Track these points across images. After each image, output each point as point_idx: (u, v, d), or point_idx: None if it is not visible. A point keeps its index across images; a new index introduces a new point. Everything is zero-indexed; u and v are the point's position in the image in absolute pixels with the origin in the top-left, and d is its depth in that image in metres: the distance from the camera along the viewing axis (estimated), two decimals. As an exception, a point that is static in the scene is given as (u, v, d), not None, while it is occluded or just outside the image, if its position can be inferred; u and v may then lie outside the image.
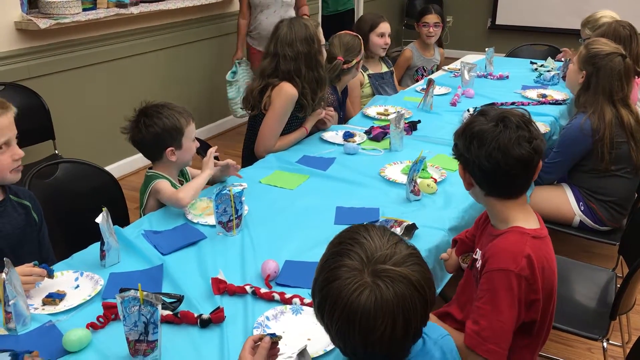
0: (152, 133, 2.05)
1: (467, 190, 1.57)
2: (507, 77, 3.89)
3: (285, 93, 2.58)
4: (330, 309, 1.02)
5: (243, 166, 2.78)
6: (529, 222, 1.50)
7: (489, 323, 1.41)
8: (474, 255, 1.61)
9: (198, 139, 2.72)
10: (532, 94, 3.49)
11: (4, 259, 1.39)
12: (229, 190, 1.86)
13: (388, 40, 3.61)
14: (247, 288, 1.58)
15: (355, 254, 1.03)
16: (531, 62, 4.22)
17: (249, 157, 2.76)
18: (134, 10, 3.83)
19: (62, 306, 1.51)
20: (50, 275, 1.55)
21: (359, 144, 2.69)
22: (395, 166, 2.45)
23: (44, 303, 1.52)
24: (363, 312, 0.99)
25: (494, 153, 1.41)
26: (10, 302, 1.37)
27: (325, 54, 2.77)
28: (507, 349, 1.43)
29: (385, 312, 0.99)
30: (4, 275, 1.35)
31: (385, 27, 3.60)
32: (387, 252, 1.03)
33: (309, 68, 2.62)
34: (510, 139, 1.41)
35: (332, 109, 2.89)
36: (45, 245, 1.81)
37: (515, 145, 1.41)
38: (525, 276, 1.41)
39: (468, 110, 2.99)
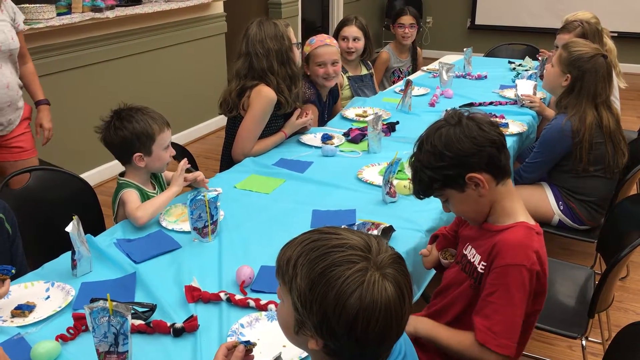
0: (121, 136, 2.01)
1: (484, 194, 1.48)
2: (486, 77, 3.91)
3: (265, 96, 2.56)
4: (363, 323, 0.94)
5: (222, 170, 2.76)
6: (529, 218, 1.52)
7: (502, 317, 1.42)
8: (464, 251, 1.60)
9: (175, 144, 2.70)
10: (510, 93, 3.51)
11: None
12: (204, 196, 1.84)
13: (351, 44, 3.52)
14: (222, 295, 1.56)
15: (351, 256, 0.97)
16: (509, 62, 4.24)
17: (228, 161, 2.73)
18: (110, 14, 3.79)
19: (31, 318, 1.47)
20: (8, 275, 1.47)
21: (337, 146, 2.67)
22: (372, 168, 2.44)
23: (13, 315, 1.48)
24: (393, 305, 0.95)
25: (487, 129, 1.45)
26: (-24, 316, 1.34)
27: (297, 52, 2.73)
28: (517, 342, 1.44)
29: (405, 295, 0.98)
30: (-31, 288, 1.31)
31: (348, 31, 3.53)
32: (373, 244, 1.00)
33: (281, 64, 2.60)
34: (481, 115, 1.49)
35: (310, 112, 2.87)
36: (18, 258, 1.77)
37: (487, 117, 1.50)
38: (537, 271, 1.43)
39: (446, 111, 2.98)
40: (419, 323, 1.60)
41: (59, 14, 3.55)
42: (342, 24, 3.57)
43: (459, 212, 1.61)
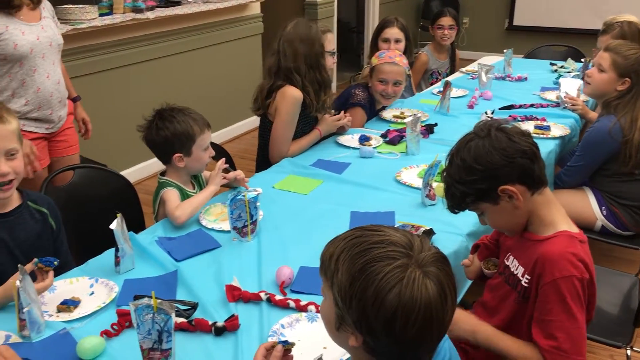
0: (162, 136, 2.04)
1: (520, 206, 1.44)
2: (526, 78, 3.84)
3: (290, 96, 2.55)
4: (402, 320, 0.93)
5: (257, 170, 2.77)
6: (571, 225, 1.48)
7: (567, 334, 1.37)
8: (506, 262, 1.57)
9: (213, 144, 2.73)
10: (551, 95, 3.44)
11: (18, 265, 1.38)
12: (244, 196, 1.85)
13: (394, 47, 3.45)
14: (262, 295, 1.56)
15: (392, 252, 0.97)
16: (551, 64, 4.16)
17: (263, 162, 2.74)
18: (150, 15, 3.85)
19: (76, 313, 1.50)
20: (51, 267, 1.51)
21: (375, 147, 2.66)
22: (411, 170, 2.42)
23: (59, 310, 1.51)
24: (434, 304, 0.94)
25: (518, 139, 1.42)
26: (24, 310, 1.36)
27: (330, 60, 2.69)
28: (586, 355, 1.40)
29: (447, 295, 0.97)
30: (18, 282, 1.34)
31: (390, 32, 3.49)
32: (415, 242, 1.00)
33: (310, 67, 2.58)
34: (511, 125, 1.46)
35: (347, 114, 2.86)
36: (62, 253, 1.80)
37: (518, 127, 1.47)
38: (587, 279, 1.39)
39: (486, 113, 2.95)
40: (480, 328, 1.53)
41: (101, 15, 3.62)
42: (383, 25, 3.53)
43: (495, 225, 1.58)
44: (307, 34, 2.58)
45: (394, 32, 3.49)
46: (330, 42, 2.71)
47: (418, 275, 0.94)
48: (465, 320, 1.52)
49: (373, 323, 0.95)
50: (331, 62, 2.71)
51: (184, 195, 2.09)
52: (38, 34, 2.41)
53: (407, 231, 1.03)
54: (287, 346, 1.15)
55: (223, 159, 2.17)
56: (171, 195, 2.03)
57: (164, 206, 2.04)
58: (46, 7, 2.53)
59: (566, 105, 3.15)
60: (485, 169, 1.41)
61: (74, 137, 2.75)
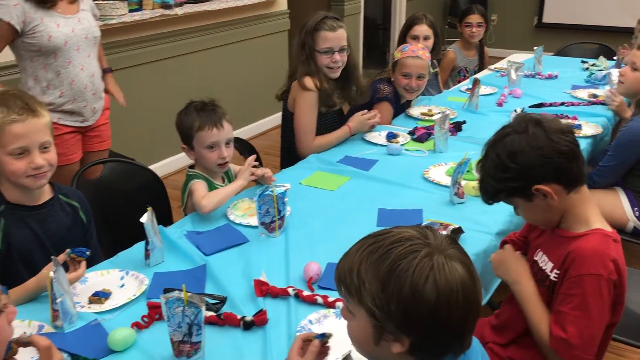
0: (176, 124, 2.12)
1: (555, 204, 1.42)
2: (556, 76, 3.78)
3: (302, 85, 2.57)
4: (445, 306, 0.94)
5: (282, 166, 2.78)
6: (605, 224, 1.45)
7: (578, 330, 1.36)
8: (534, 257, 1.55)
9: (240, 139, 2.74)
10: (583, 94, 3.38)
11: (52, 257, 1.40)
12: (272, 191, 1.85)
13: (422, 44, 3.40)
14: (290, 290, 1.57)
15: (412, 246, 0.97)
16: (582, 62, 4.09)
17: (287, 157, 2.76)
18: (179, 11, 3.88)
19: (107, 305, 1.52)
20: (83, 257, 1.54)
21: (402, 144, 2.64)
22: (439, 168, 2.40)
23: (90, 301, 1.53)
24: (468, 282, 0.96)
25: (556, 137, 1.38)
26: (57, 300, 1.39)
27: (321, 58, 2.60)
28: (594, 355, 1.39)
29: (473, 271, 0.98)
30: (51, 273, 1.36)
31: (419, 29, 3.47)
32: (427, 232, 1.01)
33: (307, 59, 2.58)
34: (551, 121, 1.42)
35: (376, 111, 2.84)
36: (92, 246, 1.82)
37: (559, 123, 1.43)
38: (614, 280, 1.36)
39: (515, 111, 2.91)
40: (523, 282, 1.52)
41: (130, 11, 3.66)
42: (412, 22, 3.51)
43: (528, 220, 1.57)
44: (303, 26, 2.61)
45: (422, 29, 3.46)
46: (325, 40, 2.56)
47: (444, 260, 0.96)
48: (515, 267, 1.54)
49: (418, 318, 0.95)
50: (327, 60, 2.58)
51: (212, 188, 2.10)
52: (73, 26, 2.45)
53: (413, 226, 1.04)
54: (325, 339, 1.15)
55: (254, 156, 2.17)
56: (199, 186, 2.05)
57: (191, 198, 2.06)
58: (85, 1, 2.57)
59: (606, 100, 3.08)
60: (520, 167, 1.39)
61: (108, 132, 2.79)
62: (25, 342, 1.13)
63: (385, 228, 1.05)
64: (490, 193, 1.49)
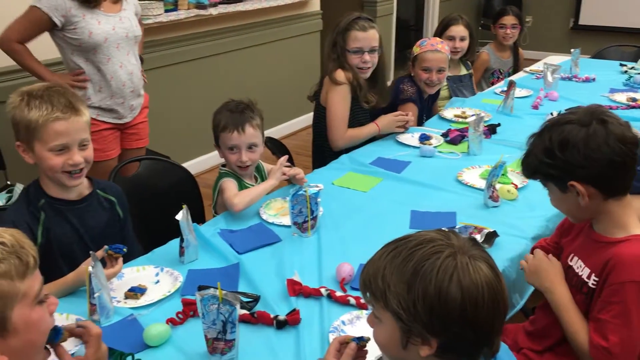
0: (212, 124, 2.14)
1: (584, 205, 1.39)
2: (594, 79, 3.71)
3: (334, 79, 2.60)
4: (472, 304, 0.94)
5: (314, 163, 2.78)
6: None
7: (620, 339, 1.33)
8: (569, 262, 1.52)
9: (273, 139, 2.75)
10: (622, 97, 3.31)
11: (90, 252, 1.43)
12: (305, 191, 1.85)
13: (458, 44, 3.44)
14: (323, 291, 1.57)
15: (435, 247, 0.98)
16: (621, 64, 4.00)
17: (319, 157, 2.76)
18: (213, 11, 3.91)
19: (143, 300, 1.54)
20: (120, 253, 1.56)
21: (435, 146, 2.62)
22: (473, 170, 2.38)
23: (126, 297, 1.56)
24: (493, 282, 0.97)
25: (613, 144, 1.32)
26: (95, 295, 1.41)
27: (352, 57, 2.61)
28: None
29: (498, 271, 0.99)
30: (90, 268, 1.39)
31: (455, 30, 3.45)
32: (450, 234, 1.02)
33: (337, 59, 2.60)
34: (619, 125, 1.35)
35: (409, 112, 2.83)
36: (128, 241, 1.85)
37: (626, 130, 1.35)
38: None
39: (552, 114, 2.86)
40: (558, 289, 1.50)
41: (166, 11, 3.70)
42: (449, 22, 3.48)
43: (555, 207, 1.52)
44: (336, 25, 2.63)
45: (459, 30, 3.44)
46: (355, 40, 2.58)
47: (468, 260, 0.97)
48: (549, 274, 1.52)
49: (445, 318, 0.95)
50: (357, 60, 2.60)
51: (242, 187, 2.11)
52: (114, 24, 2.51)
53: (435, 229, 1.05)
54: (362, 342, 1.15)
55: (286, 156, 2.18)
56: (229, 184, 2.06)
57: (222, 195, 2.08)
58: (129, 1, 2.63)
59: None
60: (564, 160, 1.36)
61: (146, 130, 2.84)
62: (80, 326, 1.16)
63: (407, 234, 1.06)
64: (529, 170, 1.47)
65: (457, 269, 0.95)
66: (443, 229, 1.07)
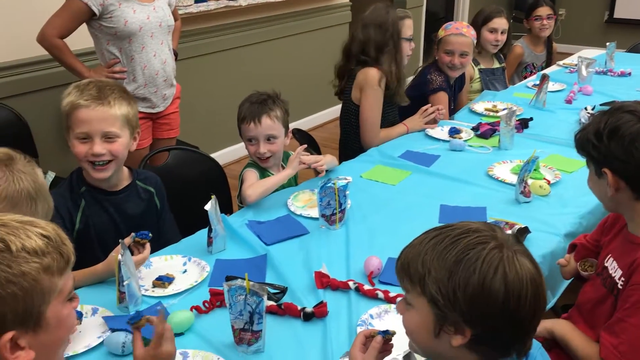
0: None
1: (611, 195, 1.39)
2: (630, 74, 3.61)
3: (372, 78, 2.55)
4: (514, 297, 0.93)
5: (341, 157, 2.76)
6: None
7: (629, 338, 1.30)
8: (605, 263, 1.48)
9: (301, 131, 2.74)
10: (658, 92, 3.22)
11: (119, 240, 1.44)
12: (334, 184, 1.84)
13: (500, 37, 3.41)
14: (350, 284, 1.55)
15: (480, 237, 0.97)
16: (657, 59, 3.89)
17: (347, 148, 2.74)
18: (243, 2, 3.91)
19: (170, 289, 1.55)
20: (146, 239, 1.56)
21: (465, 140, 2.58)
22: (504, 165, 2.33)
23: (154, 285, 1.56)
24: (536, 277, 0.96)
25: None
26: (124, 283, 1.42)
27: (407, 46, 2.62)
28: None
29: (539, 269, 0.99)
30: (119, 256, 1.40)
31: (499, 22, 3.40)
32: (494, 227, 1.02)
33: (381, 53, 2.54)
34: None
35: (442, 106, 2.79)
36: (165, 232, 1.86)
37: None
38: None
39: (585, 109, 2.79)
40: (556, 324, 1.53)
41: (196, 2, 3.71)
42: (491, 15, 3.43)
43: (590, 188, 1.51)
44: (382, 19, 2.56)
45: (502, 23, 3.41)
46: (409, 28, 2.63)
47: (513, 254, 0.95)
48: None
49: (485, 310, 0.93)
50: (408, 48, 2.66)
51: (264, 177, 2.10)
52: (149, 13, 2.55)
53: (478, 221, 1.03)
54: (387, 336, 1.13)
55: (304, 145, 2.17)
56: (249, 175, 2.06)
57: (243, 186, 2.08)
58: None
59: None
60: (607, 147, 1.35)
61: (177, 121, 2.86)
62: (159, 321, 1.20)
63: (448, 223, 1.04)
64: (577, 144, 1.46)
65: (503, 261, 0.94)
66: (510, 231, 1.06)
